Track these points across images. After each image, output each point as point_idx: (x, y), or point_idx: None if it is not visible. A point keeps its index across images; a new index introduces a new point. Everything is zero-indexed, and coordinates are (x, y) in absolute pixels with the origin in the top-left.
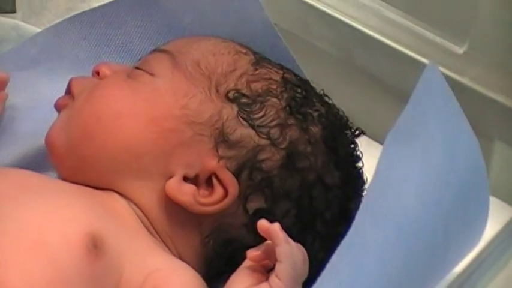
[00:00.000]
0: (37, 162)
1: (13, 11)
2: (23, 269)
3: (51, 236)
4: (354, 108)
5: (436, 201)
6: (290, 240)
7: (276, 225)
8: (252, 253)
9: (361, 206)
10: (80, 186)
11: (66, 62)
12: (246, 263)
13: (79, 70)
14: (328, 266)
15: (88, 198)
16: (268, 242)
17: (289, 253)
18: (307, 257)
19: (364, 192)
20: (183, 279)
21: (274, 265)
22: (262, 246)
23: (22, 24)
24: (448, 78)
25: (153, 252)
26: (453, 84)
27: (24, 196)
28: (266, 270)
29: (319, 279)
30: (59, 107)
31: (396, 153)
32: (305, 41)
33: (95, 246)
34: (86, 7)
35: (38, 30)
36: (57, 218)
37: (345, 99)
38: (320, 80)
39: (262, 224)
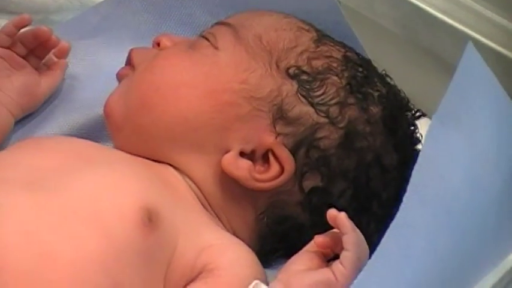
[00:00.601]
0: (94, 131)
1: None
2: (77, 240)
3: (106, 207)
4: (416, 88)
5: (486, 185)
6: (357, 229)
7: (343, 214)
8: (319, 239)
9: (409, 187)
10: (137, 157)
11: (127, 33)
12: (309, 247)
13: (139, 41)
14: (379, 248)
15: (145, 169)
16: (335, 230)
17: (356, 242)
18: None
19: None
20: (236, 254)
21: (334, 255)
22: (329, 233)
23: None
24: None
25: (207, 227)
26: None
27: (80, 166)
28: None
29: (370, 261)
30: (119, 77)
31: (442, 135)
32: (369, 19)
33: (150, 220)
34: None
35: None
36: (113, 189)
37: (407, 79)
38: (382, 59)
39: (331, 212)
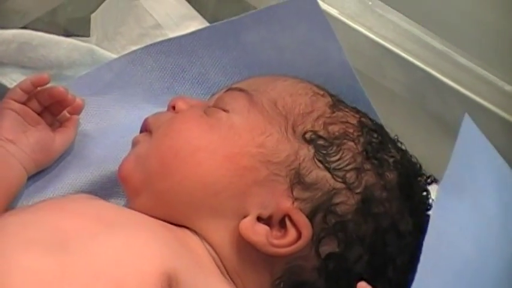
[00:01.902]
0: (106, 188)
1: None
2: None
3: (127, 273)
4: (424, 153)
5: (495, 253)
6: None
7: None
8: None
9: (422, 257)
10: (156, 219)
11: (139, 90)
12: None
13: (152, 99)
14: None
15: (165, 233)
16: None
17: None
18: None
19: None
20: None
21: None
22: None
23: (97, 49)
24: None
25: None
26: None
27: (102, 229)
28: None
29: None
30: (135, 142)
31: (448, 204)
32: (378, 84)
33: (171, 286)
34: (158, 34)
35: (112, 55)
36: (135, 255)
37: (416, 144)
38: (391, 122)
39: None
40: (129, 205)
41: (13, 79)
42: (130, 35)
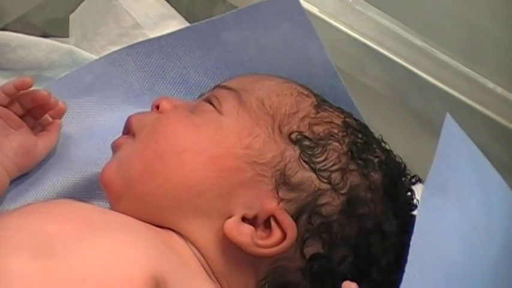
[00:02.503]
0: (88, 190)
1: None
2: None
3: (114, 277)
4: (407, 152)
5: (481, 252)
6: None
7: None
8: None
9: (409, 257)
10: (141, 222)
11: (120, 91)
12: None
13: (133, 100)
14: None
15: (151, 236)
16: None
17: None
18: None
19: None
20: None
21: None
22: None
23: (77, 50)
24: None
25: None
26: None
27: (88, 232)
28: None
29: None
30: (116, 147)
31: (434, 204)
32: (359, 81)
33: None
34: (137, 34)
35: (92, 56)
36: (122, 258)
37: (398, 142)
38: (373, 121)
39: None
40: (112, 209)
41: None
42: (109, 35)
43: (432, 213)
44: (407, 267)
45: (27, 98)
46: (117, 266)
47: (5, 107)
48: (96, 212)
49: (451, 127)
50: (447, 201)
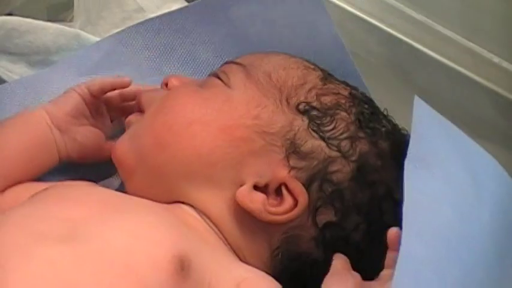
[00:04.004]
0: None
1: None
2: None
3: (139, 258)
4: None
5: (475, 215)
6: None
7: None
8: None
9: (404, 227)
10: (158, 203)
11: (128, 70)
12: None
13: (140, 79)
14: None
15: (169, 215)
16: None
17: None
18: None
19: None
20: (268, 285)
21: None
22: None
23: (83, 34)
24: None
25: (234, 263)
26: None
27: (108, 216)
28: None
29: None
30: (128, 124)
31: (418, 178)
32: (362, 58)
33: (183, 268)
34: (140, 17)
35: (98, 39)
36: (145, 240)
37: (402, 116)
38: (378, 96)
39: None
40: (125, 186)
41: (1, 66)
42: (113, 19)
43: (420, 185)
44: (404, 236)
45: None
46: (142, 248)
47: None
48: (113, 195)
49: (421, 107)
50: (431, 173)
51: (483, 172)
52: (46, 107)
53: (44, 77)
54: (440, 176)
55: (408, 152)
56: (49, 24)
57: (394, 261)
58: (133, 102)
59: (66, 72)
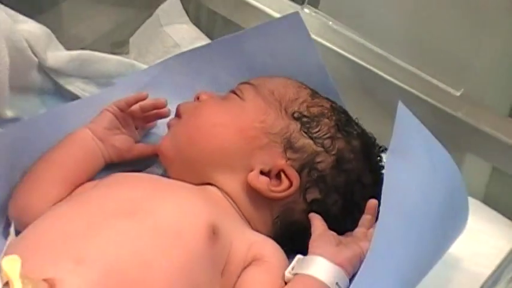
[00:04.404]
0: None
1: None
2: (166, 253)
3: (184, 227)
4: (373, 129)
5: (432, 194)
6: None
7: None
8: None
9: (382, 204)
10: (192, 185)
11: (168, 89)
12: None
13: (177, 95)
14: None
15: (202, 194)
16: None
17: None
18: None
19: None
20: (273, 246)
21: None
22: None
23: (136, 63)
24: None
25: (248, 230)
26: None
27: (159, 195)
28: None
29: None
30: (169, 126)
31: (395, 166)
32: (339, 81)
33: (214, 233)
34: (177, 51)
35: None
36: (189, 212)
37: (368, 123)
38: (349, 108)
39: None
40: (168, 172)
41: (77, 86)
42: (157, 53)
43: (396, 172)
44: (382, 212)
45: (138, 110)
46: (187, 219)
47: (122, 111)
48: (159, 179)
49: (402, 110)
50: (405, 163)
51: (440, 163)
52: (88, 126)
53: (107, 94)
54: (412, 166)
55: (390, 146)
56: (111, 56)
57: (368, 221)
58: (153, 111)
59: (123, 90)
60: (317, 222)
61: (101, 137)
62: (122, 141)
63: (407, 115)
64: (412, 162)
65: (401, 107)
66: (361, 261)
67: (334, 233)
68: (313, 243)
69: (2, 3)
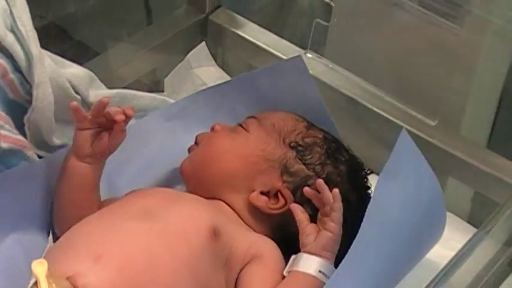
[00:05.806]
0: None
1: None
2: (173, 252)
3: (190, 229)
4: (362, 154)
5: (413, 211)
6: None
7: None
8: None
9: (366, 216)
10: (203, 198)
11: (193, 119)
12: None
13: (200, 124)
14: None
15: (207, 204)
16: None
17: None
18: None
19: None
20: (272, 246)
21: None
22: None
23: (169, 100)
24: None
25: (248, 232)
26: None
27: (171, 204)
28: None
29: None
30: (190, 150)
31: (385, 183)
32: (335, 112)
33: (216, 234)
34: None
35: None
36: (194, 217)
37: (358, 147)
38: (342, 135)
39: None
40: (186, 188)
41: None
42: (187, 91)
43: (384, 190)
44: (363, 224)
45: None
46: (192, 222)
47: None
48: (172, 192)
49: (404, 137)
50: (396, 184)
51: (426, 187)
52: (73, 152)
53: (144, 123)
54: (399, 187)
55: (385, 167)
56: (147, 94)
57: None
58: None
59: (157, 119)
60: (300, 217)
61: (88, 154)
62: (101, 145)
63: (407, 141)
64: (400, 184)
65: (403, 134)
66: (334, 241)
67: (313, 224)
68: (301, 241)
69: (56, 53)
